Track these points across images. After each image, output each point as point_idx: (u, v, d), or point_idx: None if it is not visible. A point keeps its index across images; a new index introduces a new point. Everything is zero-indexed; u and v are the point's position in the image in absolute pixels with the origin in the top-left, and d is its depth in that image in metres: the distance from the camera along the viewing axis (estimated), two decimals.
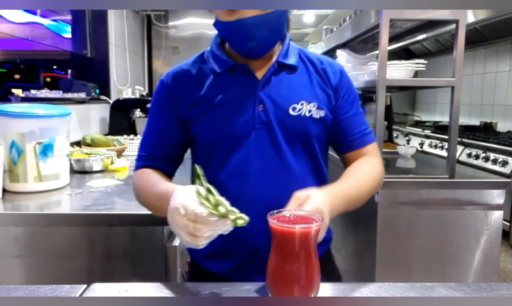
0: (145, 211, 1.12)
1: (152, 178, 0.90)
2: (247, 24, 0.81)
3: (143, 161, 0.95)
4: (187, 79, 0.93)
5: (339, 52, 2.52)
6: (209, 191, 0.66)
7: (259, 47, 0.87)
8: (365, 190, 0.91)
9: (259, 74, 0.91)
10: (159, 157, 0.95)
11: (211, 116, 0.89)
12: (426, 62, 1.81)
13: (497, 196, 1.69)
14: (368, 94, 2.58)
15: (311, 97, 0.91)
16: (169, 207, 0.69)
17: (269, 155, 0.88)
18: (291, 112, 0.89)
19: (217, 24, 0.90)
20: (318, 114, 0.91)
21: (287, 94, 0.90)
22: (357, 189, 0.89)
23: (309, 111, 0.90)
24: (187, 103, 0.91)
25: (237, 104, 0.89)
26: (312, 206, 0.69)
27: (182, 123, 0.93)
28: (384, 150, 2.14)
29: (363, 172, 0.93)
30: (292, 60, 0.93)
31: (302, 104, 0.90)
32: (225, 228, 0.65)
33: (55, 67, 2.58)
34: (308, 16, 5.01)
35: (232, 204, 0.66)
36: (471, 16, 3.07)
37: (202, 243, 0.66)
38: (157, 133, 0.96)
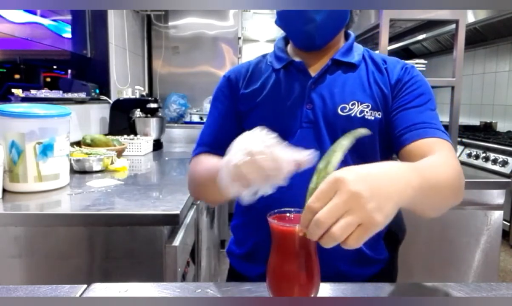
0: (145, 211, 1.13)
1: (211, 158, 0.87)
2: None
3: (201, 147, 0.95)
4: (246, 74, 0.95)
5: None
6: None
7: (318, 31, 0.84)
8: (443, 174, 0.67)
9: (314, 72, 0.88)
10: (217, 145, 0.92)
11: (261, 110, 0.88)
12: (426, 62, 1.81)
13: (497, 196, 1.69)
14: None
15: (365, 98, 0.86)
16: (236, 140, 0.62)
17: None
18: (339, 112, 0.85)
19: (277, 18, 0.88)
20: (372, 115, 0.85)
21: (338, 94, 0.86)
22: (430, 169, 0.66)
23: (361, 112, 0.85)
24: (243, 95, 0.92)
25: (287, 101, 0.88)
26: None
27: (238, 116, 0.92)
28: None
29: (433, 158, 0.73)
30: (351, 58, 0.89)
31: (353, 105, 0.85)
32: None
33: (55, 67, 2.57)
34: None
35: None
36: (471, 16, 3.07)
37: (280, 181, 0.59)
38: (216, 123, 0.95)
